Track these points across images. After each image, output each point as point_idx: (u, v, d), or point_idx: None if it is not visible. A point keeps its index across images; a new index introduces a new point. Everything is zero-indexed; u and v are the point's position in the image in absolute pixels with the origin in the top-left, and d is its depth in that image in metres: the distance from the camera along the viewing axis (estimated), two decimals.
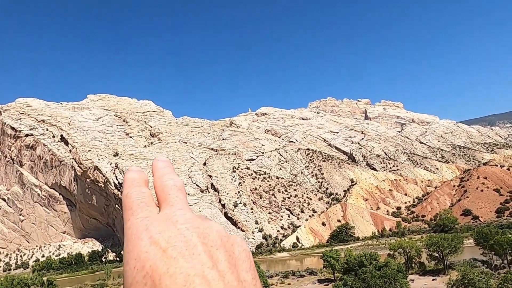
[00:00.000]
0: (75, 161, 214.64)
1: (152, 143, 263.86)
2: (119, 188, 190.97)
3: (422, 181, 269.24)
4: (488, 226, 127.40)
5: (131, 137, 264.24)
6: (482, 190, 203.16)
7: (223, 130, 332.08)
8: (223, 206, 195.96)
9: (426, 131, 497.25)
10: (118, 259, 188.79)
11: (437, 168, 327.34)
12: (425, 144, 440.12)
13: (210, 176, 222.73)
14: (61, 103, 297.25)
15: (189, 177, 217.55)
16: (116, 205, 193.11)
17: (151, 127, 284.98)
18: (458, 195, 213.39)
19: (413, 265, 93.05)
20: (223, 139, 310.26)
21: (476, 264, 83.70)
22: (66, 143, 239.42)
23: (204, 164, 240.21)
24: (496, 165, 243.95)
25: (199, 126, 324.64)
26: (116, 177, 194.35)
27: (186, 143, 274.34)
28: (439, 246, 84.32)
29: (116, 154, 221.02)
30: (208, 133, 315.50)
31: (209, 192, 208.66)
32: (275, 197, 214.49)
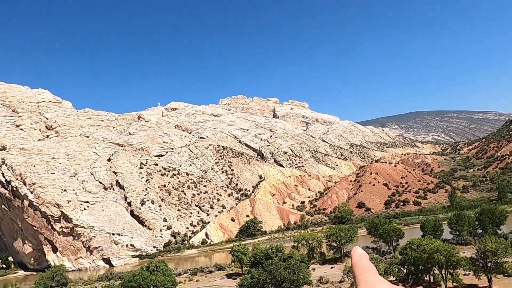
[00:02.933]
0: None
1: (48, 136, 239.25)
2: (6, 186, 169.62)
3: (324, 177, 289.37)
4: (378, 217, 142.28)
5: (22, 129, 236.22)
6: (374, 185, 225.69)
7: (130, 124, 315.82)
8: (129, 204, 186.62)
9: (328, 130, 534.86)
10: (4, 266, 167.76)
11: (337, 165, 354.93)
12: (327, 142, 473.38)
13: (115, 173, 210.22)
14: None
15: (91, 174, 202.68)
16: (3, 206, 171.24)
17: (47, 119, 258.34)
18: (354, 189, 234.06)
19: (314, 255, 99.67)
20: (130, 133, 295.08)
21: (368, 251, 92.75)
22: None
23: (109, 160, 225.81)
24: (386, 162, 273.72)
25: (104, 120, 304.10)
26: (2, 173, 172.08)
27: (88, 137, 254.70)
28: (337, 236, 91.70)
29: (3, 148, 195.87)
30: (114, 127, 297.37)
31: (113, 190, 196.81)
32: (184, 193, 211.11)
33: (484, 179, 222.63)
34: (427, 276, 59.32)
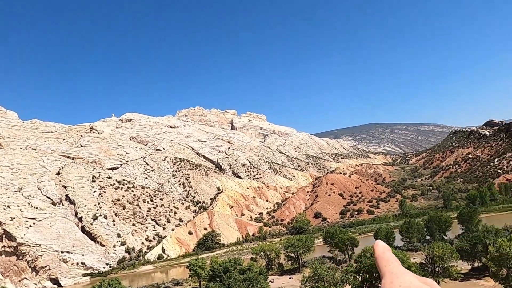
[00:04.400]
0: None
1: None
2: None
3: (281, 188, 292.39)
4: (334, 226, 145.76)
5: None
6: (329, 195, 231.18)
7: (81, 136, 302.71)
8: (80, 219, 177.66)
9: (285, 142, 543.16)
10: None
11: (294, 176, 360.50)
12: (284, 153, 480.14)
13: (65, 187, 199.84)
14: None
15: (38, 188, 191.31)
16: None
17: None
18: (311, 199, 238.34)
19: (273, 266, 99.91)
20: (81, 146, 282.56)
21: (324, 261, 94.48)
22: None
23: (58, 173, 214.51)
24: (341, 173, 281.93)
25: (53, 131, 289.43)
26: None
27: (35, 149, 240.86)
28: (295, 247, 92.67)
29: None
30: (64, 139, 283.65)
31: (63, 205, 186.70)
32: (140, 207, 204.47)
33: (431, 187, 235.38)
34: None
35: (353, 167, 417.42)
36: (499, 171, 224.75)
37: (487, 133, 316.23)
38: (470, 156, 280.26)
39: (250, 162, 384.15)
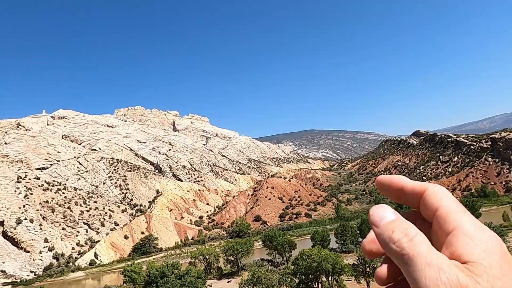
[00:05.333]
0: None
1: None
2: None
3: (222, 191, 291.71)
4: (273, 229, 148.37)
5: None
6: (270, 199, 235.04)
7: (6, 132, 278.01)
8: (1, 223, 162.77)
9: (227, 145, 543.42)
10: None
11: (236, 179, 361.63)
12: (226, 157, 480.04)
13: None
14: None
15: None
16: None
17: None
18: (251, 203, 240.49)
19: (212, 270, 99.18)
20: (6, 143, 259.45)
21: (263, 264, 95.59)
22: None
23: None
24: (281, 177, 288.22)
25: None
26: None
27: None
28: (234, 250, 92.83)
29: None
30: None
31: None
32: (71, 210, 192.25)
33: (364, 192, 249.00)
34: (316, 283, 63.48)
35: (293, 171, 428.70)
36: (424, 177, 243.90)
37: (415, 142, 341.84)
38: (399, 163, 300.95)
39: (191, 165, 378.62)
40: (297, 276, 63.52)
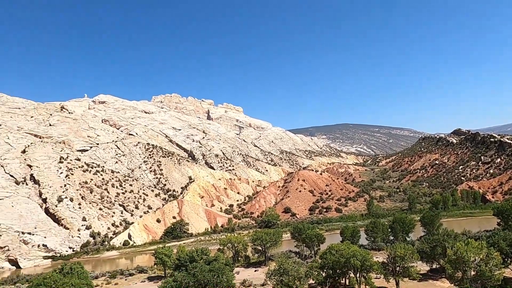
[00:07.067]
0: None
1: None
2: None
3: (253, 181, 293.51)
4: (302, 222, 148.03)
5: None
6: (300, 191, 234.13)
7: (51, 114, 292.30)
8: (44, 200, 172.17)
9: (260, 136, 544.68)
10: None
11: (267, 170, 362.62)
12: (258, 147, 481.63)
13: (30, 166, 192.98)
14: None
15: (1, 166, 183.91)
16: None
17: None
18: (281, 194, 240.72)
19: (239, 258, 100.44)
20: (50, 125, 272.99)
21: (290, 255, 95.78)
22: None
23: (23, 151, 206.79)
24: (312, 170, 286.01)
25: (20, 107, 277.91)
26: None
27: (0, 125, 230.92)
28: (262, 240, 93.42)
29: None
30: (32, 117, 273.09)
31: (27, 185, 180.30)
32: (108, 192, 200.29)
33: (398, 190, 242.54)
34: (343, 279, 62.86)
35: (325, 165, 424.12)
36: (462, 178, 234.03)
37: (454, 141, 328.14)
38: (436, 162, 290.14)
39: (223, 154, 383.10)
40: (325, 270, 63.12)
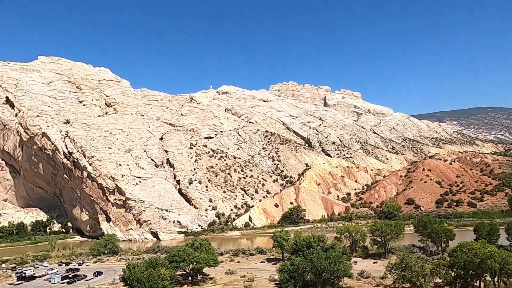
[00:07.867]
0: (21, 126, 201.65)
1: (107, 113, 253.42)
2: (68, 157, 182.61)
3: (372, 170, 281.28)
4: (428, 215, 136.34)
5: (84, 105, 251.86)
6: (425, 182, 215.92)
7: (182, 105, 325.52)
8: (178, 182, 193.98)
9: (380, 122, 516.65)
10: (63, 230, 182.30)
11: (387, 158, 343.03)
12: (378, 134, 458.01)
13: (166, 151, 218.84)
14: (8, 62, 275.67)
15: (144, 151, 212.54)
16: (65, 175, 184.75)
17: (107, 96, 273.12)
18: (404, 184, 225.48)
19: (357, 248, 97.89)
20: (182, 114, 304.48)
21: (413, 250, 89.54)
22: (12, 105, 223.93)
23: (161, 138, 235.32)
24: (440, 159, 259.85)
25: (158, 100, 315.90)
26: (66, 145, 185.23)
27: (143, 115, 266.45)
28: (382, 231, 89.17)
29: (67, 122, 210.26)
30: (167, 107, 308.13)
31: (164, 168, 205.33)
32: (230, 176, 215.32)
33: None
34: (478, 282, 56.17)
35: (455, 154, 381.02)
36: None
37: None
38: None
39: (341, 141, 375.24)
40: (454, 270, 57.31)
